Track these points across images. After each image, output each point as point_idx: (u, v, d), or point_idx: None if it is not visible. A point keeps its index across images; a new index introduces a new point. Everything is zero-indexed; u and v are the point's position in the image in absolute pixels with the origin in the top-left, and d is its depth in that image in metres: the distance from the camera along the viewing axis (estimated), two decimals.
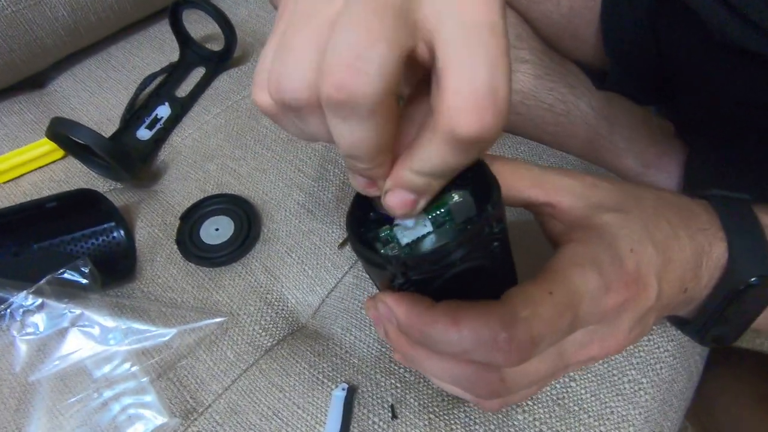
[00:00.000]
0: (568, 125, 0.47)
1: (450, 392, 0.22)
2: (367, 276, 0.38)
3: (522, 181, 0.23)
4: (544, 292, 0.19)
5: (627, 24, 0.43)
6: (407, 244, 0.21)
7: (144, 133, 0.48)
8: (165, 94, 0.51)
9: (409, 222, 0.20)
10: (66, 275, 0.31)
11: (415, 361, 0.21)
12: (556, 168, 0.24)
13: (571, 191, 0.23)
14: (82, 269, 0.32)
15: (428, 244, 0.21)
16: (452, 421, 0.31)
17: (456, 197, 0.21)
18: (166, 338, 0.33)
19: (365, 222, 0.22)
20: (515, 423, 0.31)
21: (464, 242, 0.18)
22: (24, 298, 0.31)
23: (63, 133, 0.39)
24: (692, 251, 0.23)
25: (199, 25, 0.55)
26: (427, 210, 0.21)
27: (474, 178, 0.21)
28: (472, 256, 0.19)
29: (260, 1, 0.59)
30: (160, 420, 0.30)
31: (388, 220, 0.21)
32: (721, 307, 0.24)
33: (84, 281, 0.32)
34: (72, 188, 0.43)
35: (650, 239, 0.22)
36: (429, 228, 0.21)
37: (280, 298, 0.39)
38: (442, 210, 0.21)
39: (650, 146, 0.46)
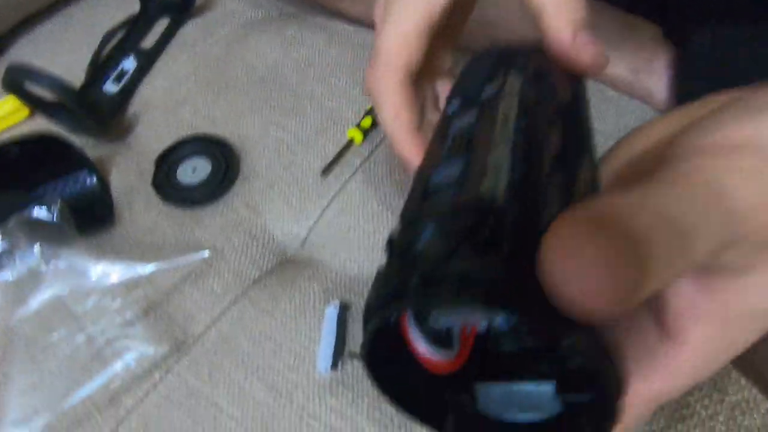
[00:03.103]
0: None
1: None
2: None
3: None
4: None
5: None
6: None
7: (111, 87, 0.46)
8: (129, 47, 0.49)
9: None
10: (34, 213, 0.30)
11: None
12: None
13: None
14: (52, 207, 0.30)
15: None
16: None
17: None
18: (149, 272, 0.32)
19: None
20: None
21: None
22: None
23: (22, 81, 0.37)
24: None
25: None
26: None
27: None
28: None
29: None
30: (148, 350, 0.29)
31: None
32: None
33: (54, 219, 0.30)
34: None
35: None
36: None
37: (266, 231, 0.37)
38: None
39: (638, 51, 0.44)
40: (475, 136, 0.17)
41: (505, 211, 0.13)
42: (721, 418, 0.82)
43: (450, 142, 0.18)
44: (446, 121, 0.20)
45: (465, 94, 0.20)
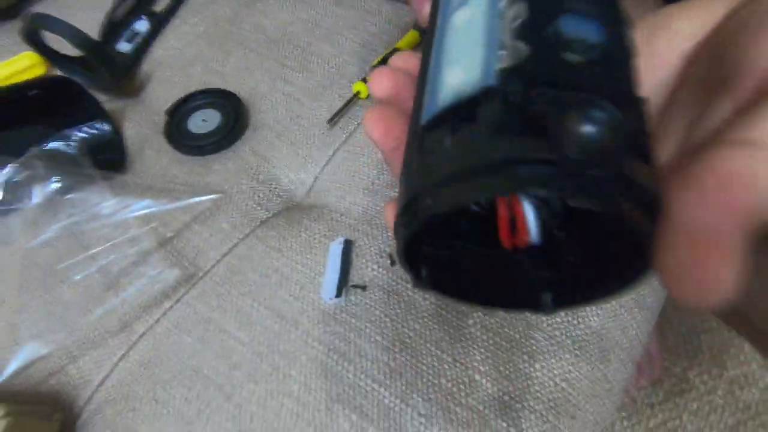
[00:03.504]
0: None
1: None
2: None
3: None
4: None
5: None
6: None
7: (124, 47, 0.47)
8: (142, 10, 0.50)
9: None
10: (49, 145, 0.31)
11: None
12: None
13: None
14: (70, 141, 0.32)
15: None
16: None
17: None
18: (161, 210, 0.33)
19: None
20: None
21: None
22: (14, 172, 0.31)
23: (38, 28, 0.38)
24: None
25: None
26: None
27: None
28: None
29: None
30: (158, 279, 0.30)
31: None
32: None
33: (71, 151, 0.31)
34: None
35: None
36: None
37: (273, 177, 0.39)
38: None
39: (633, 10, 0.45)
40: None
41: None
42: (719, 392, 0.82)
43: None
44: None
45: None
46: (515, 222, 0.13)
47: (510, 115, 0.11)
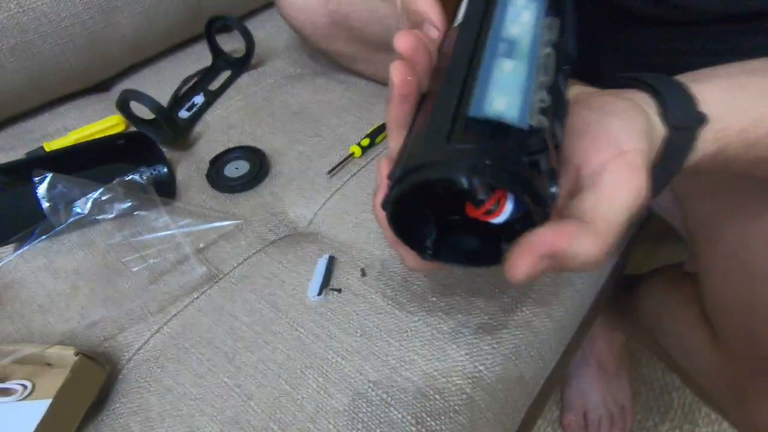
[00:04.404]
0: None
1: None
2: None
3: None
4: None
5: None
6: None
7: (184, 114, 0.63)
8: (200, 88, 0.66)
9: None
10: (129, 177, 0.44)
11: None
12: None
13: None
14: (142, 176, 0.45)
15: None
16: (409, 278, 0.41)
17: None
18: (198, 228, 0.45)
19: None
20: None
21: None
22: (102, 193, 0.43)
23: (129, 99, 0.53)
24: None
25: (227, 44, 0.71)
26: None
27: None
28: None
29: (274, 25, 0.76)
30: (193, 269, 0.41)
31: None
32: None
33: (143, 182, 0.44)
34: None
35: None
36: None
37: (283, 212, 0.51)
38: None
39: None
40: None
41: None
42: None
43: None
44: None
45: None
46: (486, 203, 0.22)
47: (520, 146, 0.20)
